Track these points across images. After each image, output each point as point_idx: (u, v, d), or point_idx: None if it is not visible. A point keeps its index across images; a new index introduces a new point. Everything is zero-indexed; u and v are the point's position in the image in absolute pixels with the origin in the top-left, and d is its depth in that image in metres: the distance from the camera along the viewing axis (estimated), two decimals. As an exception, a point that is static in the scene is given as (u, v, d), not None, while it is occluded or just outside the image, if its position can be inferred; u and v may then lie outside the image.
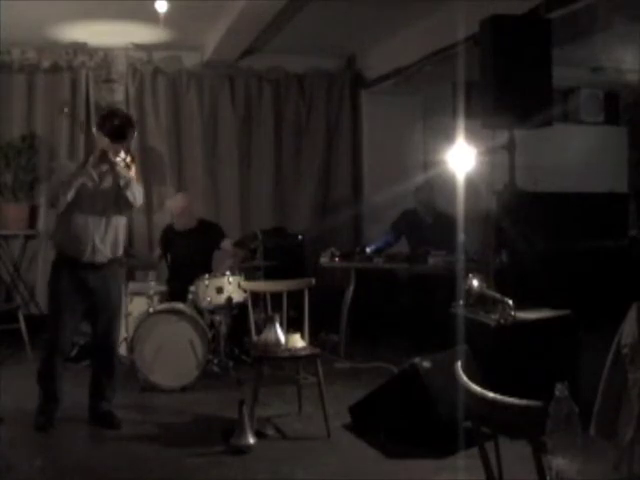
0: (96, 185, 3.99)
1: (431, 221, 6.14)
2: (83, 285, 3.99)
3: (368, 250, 5.93)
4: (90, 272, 3.99)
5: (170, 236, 5.81)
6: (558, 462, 1.72)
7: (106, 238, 4.01)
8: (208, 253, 5.79)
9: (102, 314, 4.07)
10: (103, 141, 3.88)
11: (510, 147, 4.52)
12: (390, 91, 7.18)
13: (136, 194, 4.01)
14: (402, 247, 6.19)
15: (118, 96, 6.98)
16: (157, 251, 5.95)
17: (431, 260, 5.49)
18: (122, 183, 3.92)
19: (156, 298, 5.28)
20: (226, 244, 5.79)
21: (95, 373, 4.18)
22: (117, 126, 3.85)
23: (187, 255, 5.62)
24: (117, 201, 3.99)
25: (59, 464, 3.60)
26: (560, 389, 1.74)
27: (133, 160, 3.94)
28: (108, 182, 4.00)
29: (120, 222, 4.11)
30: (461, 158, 4.86)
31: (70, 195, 3.86)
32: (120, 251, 4.13)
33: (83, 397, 4.14)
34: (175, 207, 5.84)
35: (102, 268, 4.02)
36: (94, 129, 3.94)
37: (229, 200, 7.16)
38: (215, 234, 5.81)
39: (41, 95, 6.74)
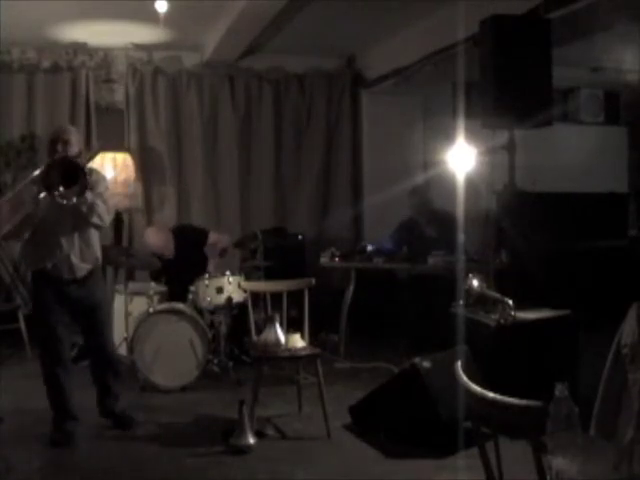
0: (60, 207, 3.65)
1: (426, 222, 6.13)
2: (66, 297, 3.86)
3: (370, 248, 5.91)
4: (71, 285, 3.86)
5: (166, 267, 5.76)
6: (558, 462, 1.72)
7: (83, 253, 3.87)
8: (198, 254, 5.78)
9: (89, 320, 3.98)
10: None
11: (510, 147, 4.52)
12: (390, 91, 7.18)
13: (102, 215, 3.79)
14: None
15: (118, 96, 6.99)
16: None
17: (431, 260, 5.49)
18: (85, 210, 3.70)
19: (156, 298, 5.28)
20: (212, 237, 5.78)
21: (97, 377, 4.09)
22: (63, 175, 3.54)
23: (180, 264, 5.61)
24: (85, 221, 3.79)
25: (59, 464, 3.61)
26: (560, 389, 1.74)
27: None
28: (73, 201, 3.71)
29: (92, 233, 3.92)
30: (461, 158, 4.86)
31: (27, 232, 3.73)
32: (100, 258, 4.00)
33: (82, 397, 4.10)
34: (152, 245, 5.77)
35: (81, 280, 3.89)
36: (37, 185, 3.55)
37: (229, 200, 7.16)
38: (197, 235, 5.81)
39: (41, 95, 6.74)
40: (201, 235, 5.83)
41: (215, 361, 5.17)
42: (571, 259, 6.10)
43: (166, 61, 7.03)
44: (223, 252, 5.78)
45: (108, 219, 3.90)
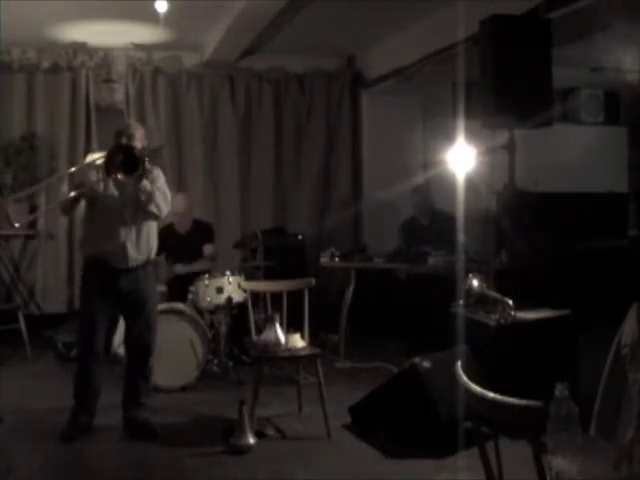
0: (122, 193, 3.85)
1: (428, 222, 6.15)
2: (114, 288, 3.89)
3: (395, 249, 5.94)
4: (122, 275, 3.89)
5: (168, 236, 5.79)
6: (558, 462, 1.72)
7: (139, 244, 3.91)
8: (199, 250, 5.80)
9: (135, 317, 3.97)
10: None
11: (510, 147, 4.52)
12: (390, 91, 7.18)
13: (160, 205, 3.87)
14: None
15: (118, 96, 6.99)
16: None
17: (431, 260, 5.49)
18: (143, 198, 3.80)
19: (156, 298, 5.28)
20: (208, 249, 5.75)
21: (129, 378, 4.03)
22: (123, 162, 3.65)
23: (185, 257, 5.62)
24: (143, 210, 3.87)
25: (59, 464, 3.61)
26: (560, 389, 1.74)
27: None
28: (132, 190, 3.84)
29: (151, 226, 4.01)
30: (461, 158, 4.86)
31: (77, 207, 3.82)
32: (153, 253, 4.03)
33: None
34: (178, 207, 5.79)
35: (134, 271, 3.93)
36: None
37: (229, 200, 7.17)
38: (206, 234, 5.81)
39: (41, 95, 6.75)
40: (208, 238, 5.83)
41: (215, 361, 5.18)
42: (571, 259, 6.10)
43: (166, 61, 7.03)
44: (213, 258, 5.80)
45: (165, 210, 3.95)
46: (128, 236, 3.88)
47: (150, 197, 3.82)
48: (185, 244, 5.66)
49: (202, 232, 5.80)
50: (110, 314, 3.96)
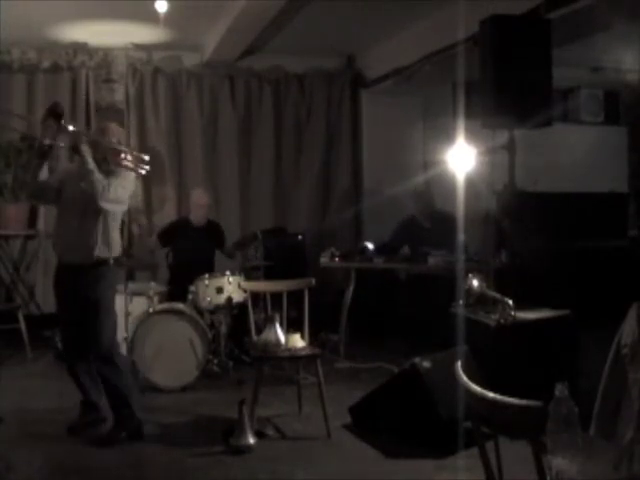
0: (75, 185, 3.82)
1: (429, 225, 6.13)
2: (66, 288, 3.90)
3: (371, 247, 5.89)
4: (70, 274, 3.86)
5: (183, 227, 5.88)
6: (558, 462, 1.72)
7: (78, 239, 3.83)
8: (212, 252, 5.84)
9: (86, 320, 3.87)
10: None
11: (510, 147, 4.52)
12: (390, 91, 7.18)
13: (95, 183, 3.69)
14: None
15: (118, 96, 6.99)
16: (154, 240, 6.02)
17: (431, 260, 5.49)
18: (83, 172, 3.73)
19: (156, 298, 5.27)
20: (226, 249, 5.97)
21: (103, 383, 3.97)
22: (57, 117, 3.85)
23: (192, 252, 5.67)
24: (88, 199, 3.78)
25: (59, 464, 3.61)
26: (560, 389, 1.74)
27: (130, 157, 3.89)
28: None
29: (99, 222, 3.84)
30: (461, 158, 4.87)
31: (41, 176, 3.82)
32: (98, 253, 3.83)
33: (78, 397, 4.11)
34: (200, 199, 5.96)
35: (79, 271, 3.83)
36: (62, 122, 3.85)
37: (229, 200, 7.16)
38: (219, 234, 5.97)
39: (41, 95, 6.74)
40: (223, 239, 6.01)
41: (215, 361, 5.17)
42: (571, 259, 6.09)
43: (166, 61, 7.03)
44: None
45: (103, 198, 3.73)
46: (70, 229, 3.85)
47: (89, 173, 3.70)
48: (196, 239, 5.78)
49: (214, 231, 5.99)
50: (70, 313, 3.92)
